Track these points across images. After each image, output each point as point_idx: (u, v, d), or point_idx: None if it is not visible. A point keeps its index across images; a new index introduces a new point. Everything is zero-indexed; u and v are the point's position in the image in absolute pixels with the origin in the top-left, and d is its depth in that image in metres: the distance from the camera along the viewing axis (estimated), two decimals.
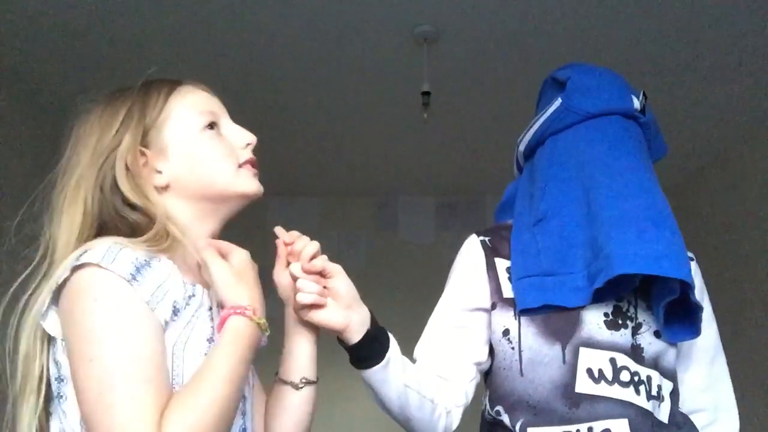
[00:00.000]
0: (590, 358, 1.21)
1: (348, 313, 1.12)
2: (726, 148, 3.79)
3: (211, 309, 1.02)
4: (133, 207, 1.02)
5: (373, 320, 1.16)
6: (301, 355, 1.14)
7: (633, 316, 1.24)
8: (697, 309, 1.21)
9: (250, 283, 1.02)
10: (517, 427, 1.22)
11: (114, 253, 0.92)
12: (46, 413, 0.97)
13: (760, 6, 2.64)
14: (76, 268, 0.92)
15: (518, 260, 1.28)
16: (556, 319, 1.23)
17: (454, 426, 1.29)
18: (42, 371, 0.96)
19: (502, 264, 1.33)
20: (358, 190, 4.61)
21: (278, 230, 1.13)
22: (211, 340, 0.99)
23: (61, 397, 0.95)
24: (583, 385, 1.20)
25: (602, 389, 1.19)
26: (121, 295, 0.90)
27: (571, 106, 1.31)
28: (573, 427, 1.18)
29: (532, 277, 1.24)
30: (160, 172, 1.06)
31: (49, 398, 0.97)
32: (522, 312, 1.24)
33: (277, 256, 1.13)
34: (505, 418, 1.24)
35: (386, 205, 4.73)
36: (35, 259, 1.01)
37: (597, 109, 1.30)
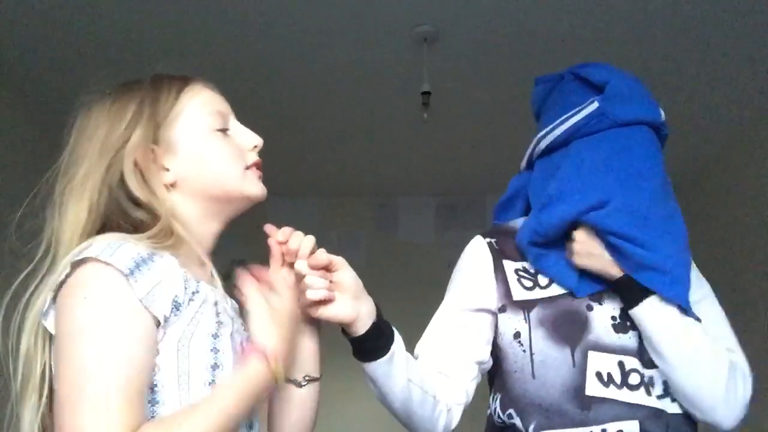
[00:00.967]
0: (599, 362, 1.22)
1: (356, 304, 1.11)
2: (726, 148, 3.79)
3: (216, 304, 1.01)
4: (137, 204, 1.01)
5: (379, 312, 1.15)
6: (303, 352, 1.13)
7: None
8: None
9: (283, 330, 1.02)
10: (530, 430, 1.22)
11: (114, 247, 0.92)
12: (50, 412, 0.96)
13: (760, 6, 2.64)
14: (76, 264, 0.92)
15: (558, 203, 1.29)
16: (564, 322, 1.24)
17: (454, 424, 1.28)
18: (44, 370, 0.96)
19: (510, 266, 1.33)
20: (358, 190, 4.61)
21: (269, 228, 1.10)
22: (216, 336, 0.98)
23: None
24: (593, 387, 1.20)
25: (612, 392, 1.20)
26: (113, 293, 0.90)
27: (607, 112, 1.30)
28: (587, 429, 1.19)
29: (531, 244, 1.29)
30: (167, 170, 1.05)
31: (51, 397, 0.96)
32: (536, 267, 1.29)
33: (271, 256, 1.10)
34: (518, 421, 1.24)
35: (386, 205, 4.73)
36: (37, 255, 1.00)
37: (630, 118, 1.30)
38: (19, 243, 1.03)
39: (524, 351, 1.25)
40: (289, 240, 1.08)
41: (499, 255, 1.33)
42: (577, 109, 1.33)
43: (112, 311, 0.89)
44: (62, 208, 1.01)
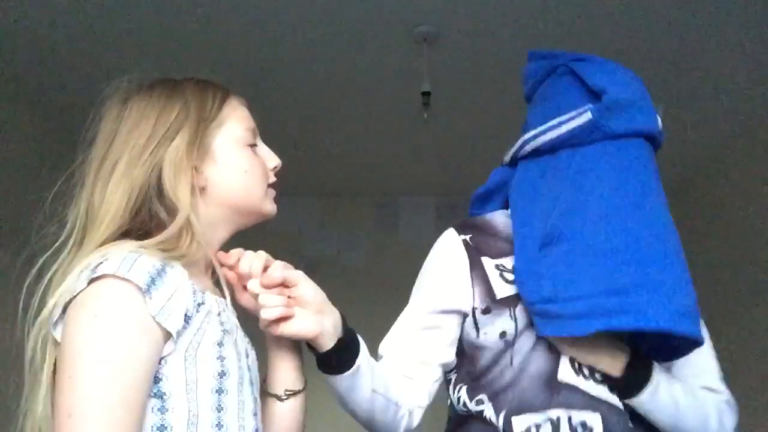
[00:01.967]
0: None
1: (319, 318, 1.06)
2: (725, 147, 3.79)
3: (219, 314, 1.02)
4: (165, 206, 1.02)
5: (344, 323, 1.12)
6: (282, 367, 1.12)
7: None
8: (694, 345, 1.19)
9: None
10: (501, 417, 1.20)
11: (131, 260, 0.92)
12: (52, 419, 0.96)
13: (760, 5, 2.64)
14: (92, 280, 0.91)
15: (522, 282, 1.21)
16: None
17: (414, 425, 1.27)
18: (41, 369, 0.95)
19: (490, 263, 1.28)
20: (358, 190, 4.61)
21: (221, 256, 1.09)
22: (221, 344, 0.98)
23: None
24: (565, 373, 1.20)
25: (580, 382, 1.19)
26: (124, 313, 0.89)
27: (601, 125, 1.24)
28: (554, 413, 1.17)
29: (536, 305, 1.19)
30: (200, 173, 1.07)
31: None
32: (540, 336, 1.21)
33: (231, 284, 1.08)
34: (488, 408, 1.22)
35: (386, 205, 4.73)
36: (62, 236, 1.01)
37: (624, 130, 1.24)
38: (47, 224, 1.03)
39: (509, 345, 1.23)
40: (238, 264, 1.07)
41: (476, 253, 1.29)
42: (568, 116, 1.27)
43: (119, 334, 0.89)
44: (102, 191, 1.01)
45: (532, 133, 1.33)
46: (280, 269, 1.06)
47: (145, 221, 1.02)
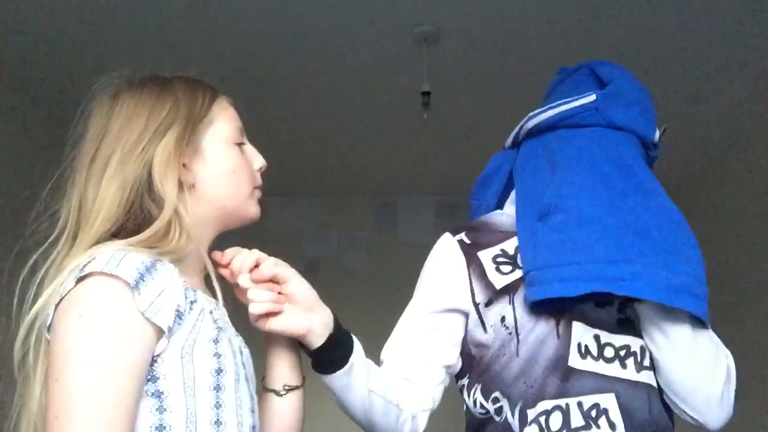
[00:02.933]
0: (581, 333, 1.21)
1: (308, 316, 1.08)
2: (726, 147, 3.79)
3: (212, 312, 1.02)
4: (155, 203, 1.02)
5: (336, 323, 1.12)
6: (280, 363, 1.13)
7: None
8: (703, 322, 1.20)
9: None
10: (516, 411, 1.20)
11: (118, 258, 0.92)
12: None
13: (760, 5, 2.64)
14: (80, 279, 0.91)
15: (522, 253, 1.25)
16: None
17: (420, 430, 1.27)
18: (39, 371, 0.95)
19: (486, 255, 1.29)
20: (358, 190, 4.61)
21: (214, 255, 1.10)
22: (216, 341, 0.99)
23: None
24: (574, 359, 1.20)
25: (589, 364, 1.20)
26: (112, 310, 0.89)
27: (601, 108, 1.28)
28: (563, 401, 1.18)
29: (528, 273, 1.22)
30: (190, 170, 1.07)
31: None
32: (532, 305, 1.22)
33: (231, 282, 1.10)
34: (504, 404, 1.22)
35: (386, 205, 4.74)
36: (54, 232, 1.01)
37: (623, 123, 1.28)
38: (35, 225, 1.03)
39: (510, 333, 1.23)
40: (231, 262, 1.09)
41: (471, 249, 1.30)
42: (575, 97, 1.32)
43: (106, 333, 0.88)
44: (95, 187, 1.01)
45: (536, 111, 1.36)
46: (271, 266, 1.08)
47: (137, 217, 1.02)
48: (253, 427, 1.03)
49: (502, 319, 1.24)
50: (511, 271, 1.27)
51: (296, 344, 1.13)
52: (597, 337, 1.21)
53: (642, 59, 2.98)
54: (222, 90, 1.16)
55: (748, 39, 2.84)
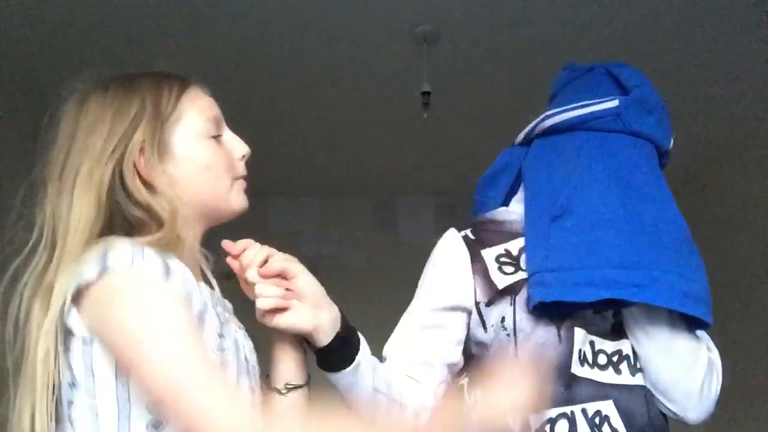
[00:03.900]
0: (581, 339, 1.21)
1: (316, 312, 1.06)
2: (726, 147, 3.79)
3: (215, 306, 1.01)
4: (136, 204, 1.00)
5: (344, 320, 1.12)
6: (283, 361, 1.11)
7: None
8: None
9: None
10: (517, 416, 1.19)
11: (140, 252, 0.92)
12: (55, 418, 0.94)
13: (761, 5, 2.64)
14: (103, 274, 0.90)
15: (531, 254, 1.24)
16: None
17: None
18: (54, 374, 0.94)
19: (490, 254, 1.28)
20: (358, 190, 4.61)
21: (226, 244, 1.09)
22: (221, 335, 0.98)
23: (71, 403, 0.93)
24: (575, 366, 1.20)
25: (586, 371, 1.20)
26: (159, 292, 0.91)
27: (623, 115, 1.28)
28: (568, 409, 1.17)
29: (536, 274, 1.21)
30: (162, 172, 1.04)
31: (56, 402, 0.94)
32: (533, 309, 1.21)
33: (237, 274, 1.09)
34: None
35: (386, 205, 4.73)
36: (31, 241, 0.99)
37: (642, 130, 1.28)
38: (13, 231, 1.01)
39: (507, 335, 1.22)
40: (242, 254, 1.08)
41: (476, 246, 1.29)
42: (596, 100, 1.31)
43: (166, 306, 0.90)
44: (68, 200, 0.99)
45: (555, 110, 1.35)
46: (280, 261, 1.06)
47: (119, 218, 1.00)
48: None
49: (502, 319, 1.24)
50: (514, 273, 1.26)
51: (302, 341, 1.12)
52: (592, 344, 1.22)
53: (642, 59, 2.97)
54: (200, 79, 1.12)
55: (749, 39, 2.84)
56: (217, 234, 1.13)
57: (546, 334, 1.21)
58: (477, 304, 1.26)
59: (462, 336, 1.28)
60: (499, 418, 1.13)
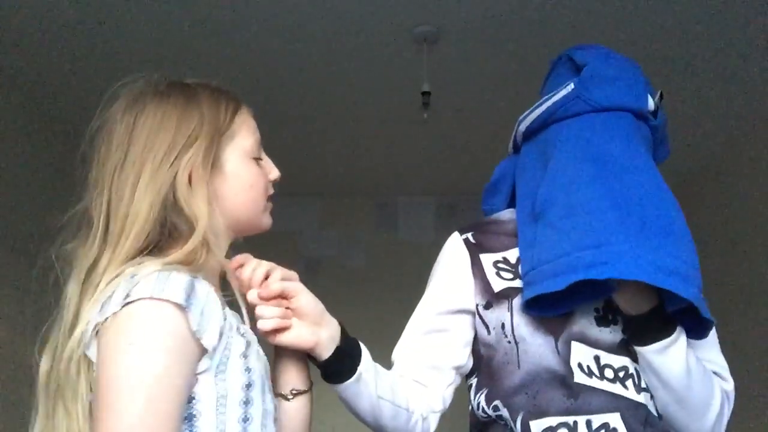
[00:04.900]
0: (580, 353, 1.20)
1: (316, 330, 1.09)
2: (727, 147, 3.79)
3: (238, 328, 1.01)
4: (182, 215, 1.00)
5: (344, 333, 1.14)
6: (288, 368, 1.13)
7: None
8: (707, 322, 1.18)
9: None
10: (518, 422, 1.19)
11: (164, 279, 0.91)
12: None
13: (761, 5, 2.64)
14: (126, 304, 0.89)
15: (522, 258, 1.24)
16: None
17: (431, 431, 1.27)
18: (82, 391, 0.93)
19: (488, 259, 1.29)
20: (358, 190, 4.61)
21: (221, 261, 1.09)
22: (245, 355, 0.98)
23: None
24: (580, 376, 1.19)
25: (595, 382, 1.18)
26: (161, 338, 0.88)
27: (582, 95, 1.25)
28: (570, 419, 1.16)
29: (525, 276, 1.21)
30: (209, 185, 1.05)
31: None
32: (525, 309, 1.21)
33: (235, 290, 1.09)
34: (505, 413, 1.21)
35: (386, 205, 4.74)
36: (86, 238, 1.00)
37: (609, 103, 1.25)
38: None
39: (509, 342, 1.22)
40: (242, 269, 1.08)
41: (475, 249, 1.30)
42: (555, 91, 1.29)
43: (156, 361, 0.87)
44: (128, 203, 0.99)
45: (524, 114, 1.35)
46: (279, 281, 1.07)
47: (164, 233, 1.00)
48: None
49: (502, 326, 1.23)
50: (512, 279, 1.26)
51: (304, 353, 1.14)
52: (597, 358, 1.20)
53: (643, 59, 2.97)
54: (220, 80, 1.14)
55: (749, 38, 2.84)
56: None
57: (544, 343, 1.21)
58: (477, 306, 1.27)
59: (469, 338, 1.28)
60: None
